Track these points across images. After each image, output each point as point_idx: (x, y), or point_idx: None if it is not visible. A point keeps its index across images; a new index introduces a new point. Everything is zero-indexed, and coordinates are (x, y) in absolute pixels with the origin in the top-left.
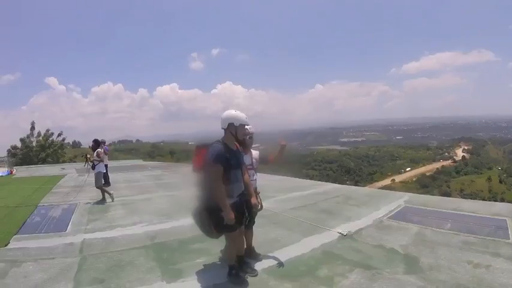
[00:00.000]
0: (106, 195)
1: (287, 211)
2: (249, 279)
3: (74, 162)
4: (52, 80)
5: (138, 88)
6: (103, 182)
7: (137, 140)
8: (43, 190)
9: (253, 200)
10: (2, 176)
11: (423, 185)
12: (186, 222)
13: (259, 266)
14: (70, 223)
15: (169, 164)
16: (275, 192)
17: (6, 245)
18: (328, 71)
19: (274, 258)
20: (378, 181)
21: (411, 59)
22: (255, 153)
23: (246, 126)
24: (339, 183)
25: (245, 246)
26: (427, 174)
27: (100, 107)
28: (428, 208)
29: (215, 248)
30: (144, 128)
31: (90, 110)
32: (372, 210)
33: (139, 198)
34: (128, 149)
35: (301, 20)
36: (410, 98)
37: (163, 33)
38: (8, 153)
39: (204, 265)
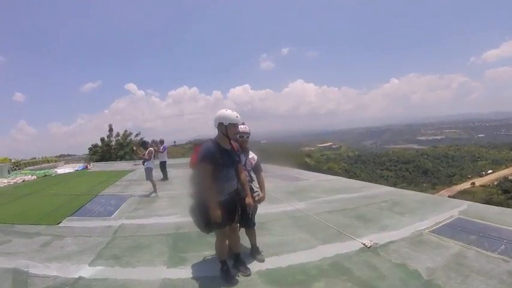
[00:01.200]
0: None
1: (320, 214)
2: (240, 277)
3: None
4: (131, 86)
5: (213, 90)
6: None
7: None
8: (107, 182)
9: (248, 200)
10: (77, 170)
11: (505, 190)
12: None
13: (257, 266)
14: (117, 210)
15: None
16: (320, 193)
17: (58, 224)
18: (404, 64)
19: (277, 261)
20: (456, 184)
21: (490, 46)
22: (253, 156)
23: (240, 126)
24: (414, 185)
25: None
26: (509, 178)
27: (177, 109)
28: (485, 222)
29: None
30: None
31: (168, 112)
32: (416, 220)
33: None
34: None
35: (371, 12)
36: (493, 89)
37: (233, 36)
38: (90, 151)
39: (208, 258)
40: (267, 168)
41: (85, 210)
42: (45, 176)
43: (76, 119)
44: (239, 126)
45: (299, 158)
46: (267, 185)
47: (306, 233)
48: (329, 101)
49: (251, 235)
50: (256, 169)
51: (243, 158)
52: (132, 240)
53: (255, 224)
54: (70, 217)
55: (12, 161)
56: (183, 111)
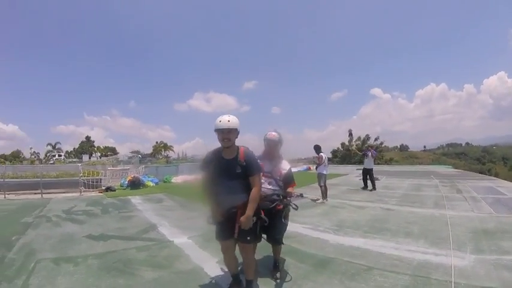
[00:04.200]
0: (324, 195)
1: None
2: None
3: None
4: (376, 91)
5: (464, 84)
6: (322, 183)
7: (466, 143)
8: (302, 183)
9: (245, 222)
10: (300, 170)
11: None
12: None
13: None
14: None
15: (463, 173)
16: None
17: None
18: None
19: None
20: None
21: None
22: (284, 165)
23: (268, 133)
24: None
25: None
26: None
27: (426, 109)
28: None
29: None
30: (475, 129)
31: (417, 114)
32: None
33: (361, 204)
34: (456, 153)
35: None
36: None
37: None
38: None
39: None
40: None
41: None
42: None
43: (328, 125)
44: (267, 133)
45: None
46: None
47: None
48: None
49: (275, 250)
50: (286, 180)
51: (269, 166)
52: None
53: (281, 242)
54: None
55: None
56: (432, 112)
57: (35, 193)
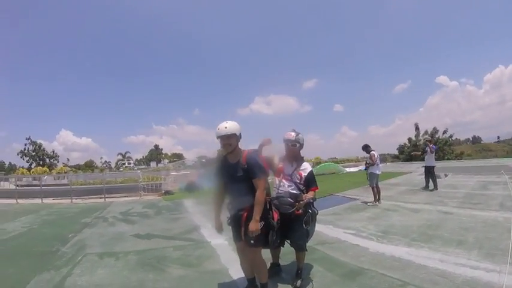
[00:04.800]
0: (377, 197)
1: None
2: None
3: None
4: (443, 79)
5: None
6: (374, 184)
7: None
8: (357, 184)
9: (251, 226)
10: (359, 170)
11: None
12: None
13: None
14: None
15: None
16: None
17: None
18: None
19: None
20: None
21: None
22: (305, 168)
23: (287, 133)
24: None
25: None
26: None
27: (496, 95)
28: None
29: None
30: None
31: (487, 101)
32: None
33: (416, 207)
34: None
35: None
36: None
37: None
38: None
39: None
40: None
41: None
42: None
43: (394, 120)
44: (286, 133)
45: None
46: None
47: None
48: None
49: (298, 257)
50: (307, 183)
51: (289, 168)
52: None
53: (303, 248)
54: None
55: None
56: (504, 98)
57: (100, 197)
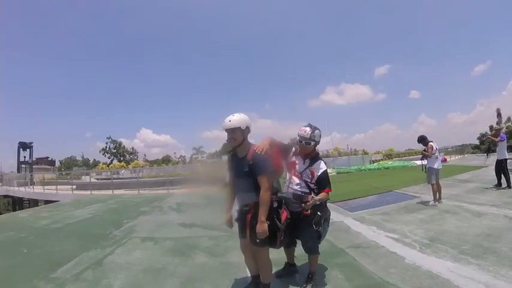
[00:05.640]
0: (436, 195)
1: None
2: None
3: None
4: None
5: None
6: (433, 181)
7: None
8: (415, 178)
9: (259, 227)
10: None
11: None
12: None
13: None
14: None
15: None
16: None
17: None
18: None
19: None
20: None
21: None
22: (319, 166)
23: (301, 127)
24: None
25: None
26: None
27: None
28: None
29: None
30: None
31: None
32: None
33: (480, 209)
34: None
35: None
36: None
37: None
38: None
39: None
40: None
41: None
42: (379, 168)
43: (475, 105)
44: (300, 128)
45: None
46: None
47: None
48: None
49: (309, 260)
50: (320, 183)
51: (301, 165)
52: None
53: (315, 251)
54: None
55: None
56: None
57: (165, 189)
